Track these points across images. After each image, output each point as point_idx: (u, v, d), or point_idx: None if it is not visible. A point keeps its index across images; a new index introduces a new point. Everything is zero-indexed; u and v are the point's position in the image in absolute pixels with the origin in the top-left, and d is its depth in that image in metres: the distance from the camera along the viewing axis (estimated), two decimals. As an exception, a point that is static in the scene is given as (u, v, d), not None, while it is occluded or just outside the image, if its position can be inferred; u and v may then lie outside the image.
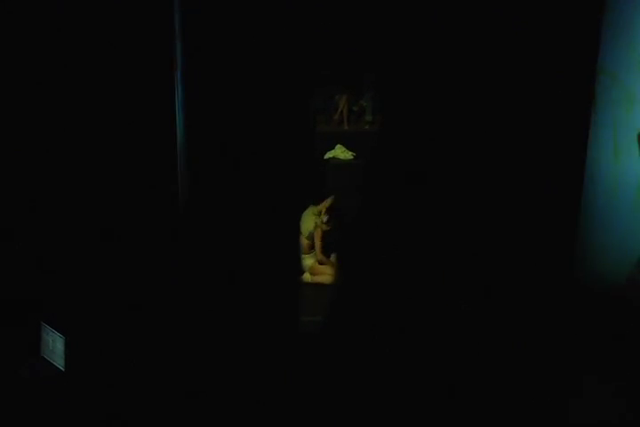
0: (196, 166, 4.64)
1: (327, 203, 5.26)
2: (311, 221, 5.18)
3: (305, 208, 5.26)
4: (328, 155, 5.46)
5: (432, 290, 4.66)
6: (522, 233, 4.76)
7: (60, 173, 4.54)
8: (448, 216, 4.80)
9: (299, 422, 3.92)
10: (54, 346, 4.24)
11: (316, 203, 5.26)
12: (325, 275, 5.19)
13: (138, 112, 4.50)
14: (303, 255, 5.23)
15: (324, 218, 5.21)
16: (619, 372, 4.22)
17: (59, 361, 4.21)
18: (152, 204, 4.61)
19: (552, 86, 4.63)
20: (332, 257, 5.26)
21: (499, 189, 4.73)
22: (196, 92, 4.60)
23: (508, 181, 4.75)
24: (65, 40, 4.39)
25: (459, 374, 4.15)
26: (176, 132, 4.58)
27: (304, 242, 5.24)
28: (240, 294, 4.59)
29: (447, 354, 4.29)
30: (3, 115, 4.46)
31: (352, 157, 5.46)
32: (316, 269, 5.21)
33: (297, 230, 5.18)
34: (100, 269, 4.53)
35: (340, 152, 5.46)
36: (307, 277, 5.22)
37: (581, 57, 4.57)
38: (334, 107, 5.49)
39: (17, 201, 4.53)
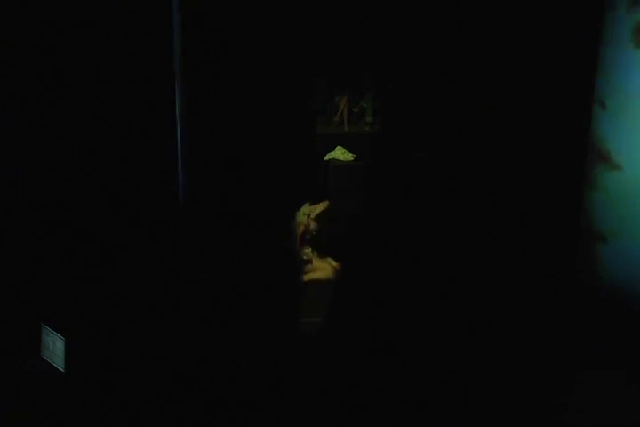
0: (195, 168, 4.64)
1: (318, 208, 5.22)
2: (301, 218, 5.15)
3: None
4: (328, 156, 5.45)
5: (434, 291, 4.65)
6: (523, 233, 4.76)
7: (62, 174, 4.56)
8: (450, 217, 4.80)
9: (299, 422, 3.92)
10: (54, 347, 4.23)
11: (314, 203, 5.23)
12: (319, 271, 5.16)
13: (141, 114, 4.52)
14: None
15: (310, 222, 5.17)
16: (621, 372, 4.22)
17: (58, 362, 4.21)
18: (153, 206, 4.62)
19: (552, 90, 4.64)
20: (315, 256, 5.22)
21: (500, 189, 4.74)
22: (195, 93, 4.61)
23: (509, 181, 4.75)
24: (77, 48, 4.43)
25: (459, 375, 4.15)
26: (177, 135, 4.59)
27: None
28: (239, 294, 4.59)
29: (448, 355, 4.29)
30: (10, 120, 4.48)
31: (352, 159, 5.45)
32: (311, 267, 5.17)
33: (295, 232, 5.16)
34: (100, 269, 4.54)
35: (341, 153, 5.45)
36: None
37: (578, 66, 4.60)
38: (334, 108, 5.48)
39: (18, 201, 4.53)
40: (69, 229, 4.55)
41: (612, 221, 4.52)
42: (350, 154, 5.45)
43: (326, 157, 5.45)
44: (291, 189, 4.99)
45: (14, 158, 4.51)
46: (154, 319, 4.44)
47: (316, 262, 5.14)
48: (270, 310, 4.62)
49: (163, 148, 4.56)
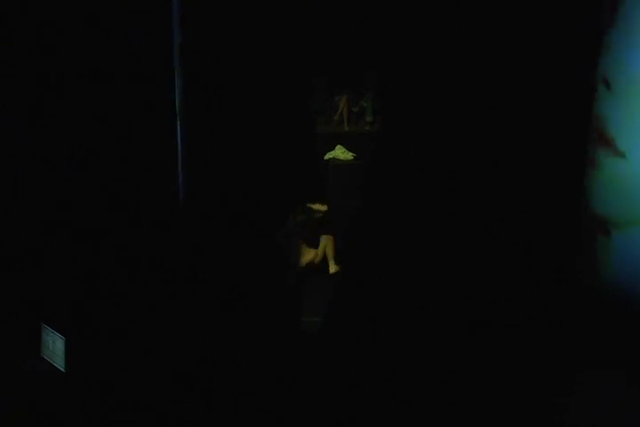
0: (195, 168, 4.64)
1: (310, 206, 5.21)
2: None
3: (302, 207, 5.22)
4: (328, 155, 5.45)
5: (433, 291, 4.66)
6: (522, 234, 4.76)
7: (62, 174, 4.56)
8: (449, 216, 4.80)
9: (299, 422, 3.92)
10: (54, 347, 4.23)
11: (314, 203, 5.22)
12: (308, 254, 5.14)
13: (141, 114, 4.52)
14: None
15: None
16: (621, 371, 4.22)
17: (59, 362, 4.21)
18: (153, 206, 4.62)
19: (551, 91, 4.64)
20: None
21: (500, 189, 4.73)
22: (195, 93, 4.61)
23: (508, 181, 4.75)
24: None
25: (459, 375, 4.15)
26: (177, 134, 4.60)
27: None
28: (239, 293, 4.59)
29: (448, 355, 4.30)
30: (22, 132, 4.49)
31: (352, 158, 5.45)
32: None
33: (295, 231, 5.15)
34: (100, 269, 4.54)
35: (341, 153, 5.45)
36: None
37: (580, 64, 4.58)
38: (334, 108, 5.48)
39: (18, 201, 4.53)
40: (69, 229, 4.55)
41: (616, 209, 4.45)
42: (350, 153, 5.45)
43: (326, 157, 5.45)
44: (290, 189, 4.99)
45: (14, 158, 4.51)
46: (154, 319, 4.44)
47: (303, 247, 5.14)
48: (270, 309, 4.62)
49: (163, 148, 4.56)
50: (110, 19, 4.35)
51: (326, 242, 5.18)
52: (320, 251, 5.16)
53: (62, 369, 4.20)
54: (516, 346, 4.33)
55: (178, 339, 4.37)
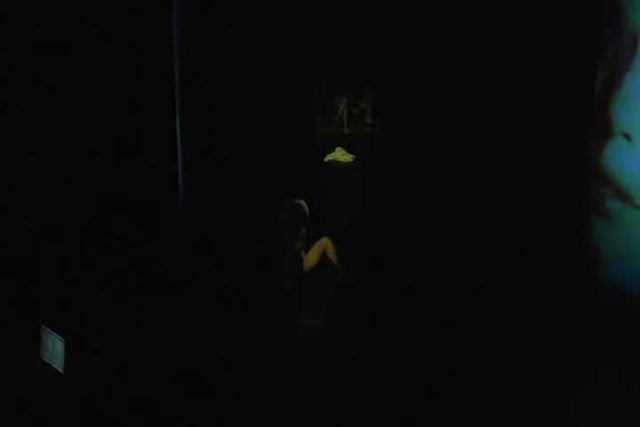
0: (195, 168, 4.65)
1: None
2: None
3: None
4: (328, 157, 5.45)
5: (433, 290, 4.66)
6: (521, 235, 4.76)
7: (62, 174, 4.56)
8: (448, 217, 4.80)
9: (298, 422, 3.92)
10: (54, 348, 4.23)
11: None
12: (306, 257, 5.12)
13: (141, 115, 4.53)
14: None
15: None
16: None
17: (58, 363, 4.20)
18: (153, 206, 4.62)
19: (552, 92, 4.64)
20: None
21: (499, 190, 4.74)
22: (194, 94, 4.62)
23: (508, 182, 4.75)
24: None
25: (459, 375, 4.15)
26: (177, 135, 4.60)
27: None
28: (239, 293, 4.59)
29: (448, 354, 4.29)
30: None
31: (352, 160, 5.45)
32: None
33: (297, 232, 5.15)
34: (100, 269, 4.54)
35: (341, 155, 5.45)
36: None
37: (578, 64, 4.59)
38: (334, 109, 5.48)
39: (18, 201, 4.54)
40: (69, 230, 4.55)
41: (616, 250, 4.50)
42: (350, 155, 5.45)
43: (326, 159, 5.45)
44: (290, 190, 4.99)
45: (14, 158, 4.51)
46: (153, 321, 4.44)
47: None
48: (270, 310, 4.62)
49: (163, 148, 4.56)
50: (110, 19, 4.36)
51: (324, 246, 5.15)
52: (316, 253, 5.13)
53: (61, 371, 4.19)
54: (516, 347, 4.33)
55: (177, 340, 4.37)
